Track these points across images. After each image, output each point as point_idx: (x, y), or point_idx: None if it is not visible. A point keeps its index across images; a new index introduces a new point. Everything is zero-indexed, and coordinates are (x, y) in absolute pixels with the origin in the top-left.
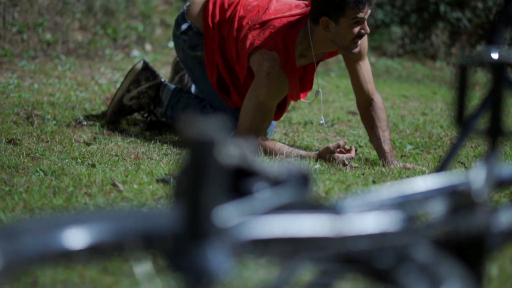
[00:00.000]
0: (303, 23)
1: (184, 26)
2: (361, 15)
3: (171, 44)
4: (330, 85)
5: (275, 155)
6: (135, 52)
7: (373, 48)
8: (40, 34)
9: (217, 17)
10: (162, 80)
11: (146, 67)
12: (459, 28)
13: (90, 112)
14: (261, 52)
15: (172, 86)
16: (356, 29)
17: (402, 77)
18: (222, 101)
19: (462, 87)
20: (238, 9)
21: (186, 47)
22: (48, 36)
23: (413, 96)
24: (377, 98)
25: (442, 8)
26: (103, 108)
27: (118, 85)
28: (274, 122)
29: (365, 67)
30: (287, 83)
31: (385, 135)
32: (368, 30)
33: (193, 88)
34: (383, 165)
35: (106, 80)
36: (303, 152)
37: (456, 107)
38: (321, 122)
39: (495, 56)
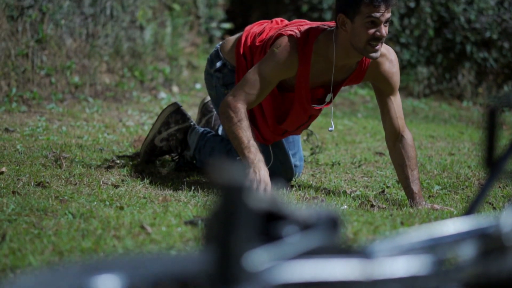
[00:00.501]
0: (329, 26)
1: (218, 64)
2: (376, 14)
3: (198, 85)
4: (357, 126)
5: (235, 141)
6: (162, 94)
7: (400, 89)
8: (68, 77)
9: (249, 47)
10: (192, 123)
11: (177, 109)
12: (485, 68)
13: (118, 154)
14: (280, 38)
15: (200, 129)
16: (372, 31)
17: (429, 117)
18: None
19: (490, 129)
20: (268, 34)
21: (220, 85)
22: (76, 78)
23: (440, 136)
24: (407, 135)
25: (468, 48)
26: (131, 150)
27: (146, 128)
28: (302, 164)
29: (396, 102)
30: (296, 63)
31: (413, 174)
32: (384, 33)
33: (220, 129)
34: (411, 206)
35: (134, 122)
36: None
37: (485, 148)
38: (330, 128)
39: None
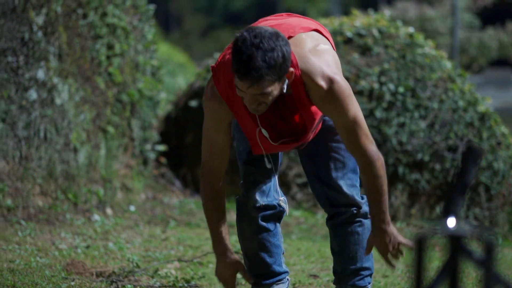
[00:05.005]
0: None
1: None
2: (238, 85)
3: (132, 208)
4: (291, 248)
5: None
6: (96, 217)
7: None
8: (0, 200)
9: None
10: None
11: None
12: (417, 189)
13: (50, 278)
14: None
15: None
16: (240, 94)
17: None
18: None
19: (419, 259)
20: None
21: None
22: (9, 201)
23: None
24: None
25: (400, 169)
26: (63, 274)
27: (79, 251)
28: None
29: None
30: (223, 105)
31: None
32: (251, 105)
33: None
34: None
35: (67, 245)
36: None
37: (414, 277)
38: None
39: (451, 228)
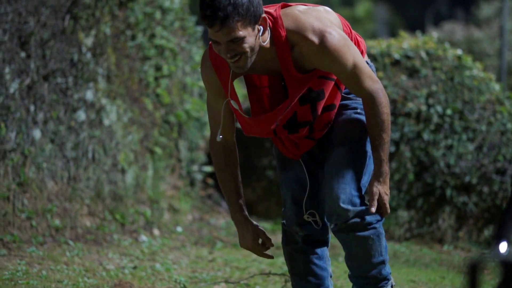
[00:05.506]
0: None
1: None
2: (210, 35)
3: (179, 229)
4: (338, 270)
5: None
6: (143, 237)
7: None
8: (49, 220)
9: None
10: None
11: None
12: (465, 212)
13: None
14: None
15: None
16: (216, 49)
17: (410, 261)
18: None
19: (473, 285)
20: None
21: None
22: (57, 221)
23: (421, 281)
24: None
25: (448, 192)
26: None
27: (126, 271)
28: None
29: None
30: (214, 74)
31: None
32: (227, 55)
33: None
34: None
35: (114, 265)
36: (238, 209)
37: None
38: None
39: (504, 253)
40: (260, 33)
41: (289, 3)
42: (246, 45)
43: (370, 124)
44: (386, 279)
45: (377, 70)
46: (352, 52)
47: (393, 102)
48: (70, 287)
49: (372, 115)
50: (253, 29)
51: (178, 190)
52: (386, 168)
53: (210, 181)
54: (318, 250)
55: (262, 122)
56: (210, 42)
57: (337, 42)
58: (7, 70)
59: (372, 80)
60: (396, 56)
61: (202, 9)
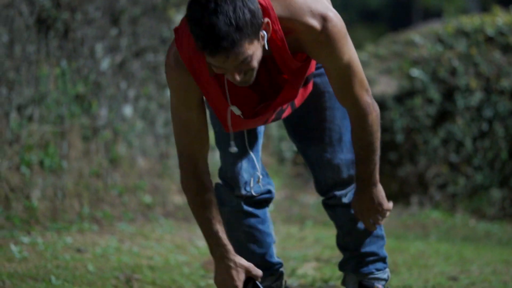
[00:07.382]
0: None
1: None
2: (213, 63)
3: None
4: (429, 249)
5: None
6: None
7: (473, 211)
8: (139, 197)
9: None
10: None
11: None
12: None
13: (188, 276)
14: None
15: None
16: (219, 72)
17: (503, 241)
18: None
19: None
20: None
21: None
22: (148, 198)
23: None
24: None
25: None
26: (202, 272)
27: None
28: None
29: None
30: (190, 79)
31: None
32: (236, 78)
33: None
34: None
35: (204, 243)
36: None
37: None
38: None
39: None
40: (266, 39)
41: None
42: (255, 62)
43: (355, 143)
44: (384, 261)
45: (469, 46)
46: (350, 46)
47: (486, 79)
48: (161, 264)
49: (357, 132)
50: (258, 40)
51: (268, 168)
52: (373, 190)
53: (299, 159)
54: (260, 213)
55: (259, 120)
56: (175, 28)
57: (339, 31)
58: (99, 47)
59: (362, 87)
60: (490, 32)
61: (201, 40)
